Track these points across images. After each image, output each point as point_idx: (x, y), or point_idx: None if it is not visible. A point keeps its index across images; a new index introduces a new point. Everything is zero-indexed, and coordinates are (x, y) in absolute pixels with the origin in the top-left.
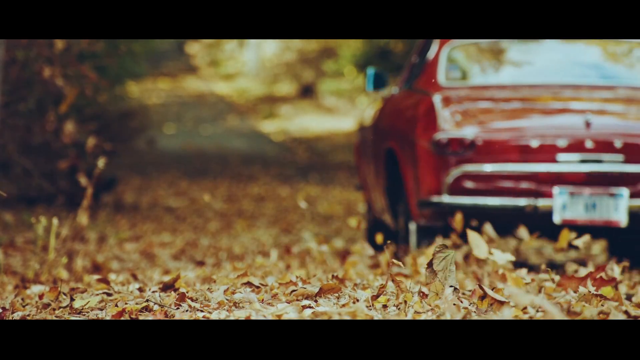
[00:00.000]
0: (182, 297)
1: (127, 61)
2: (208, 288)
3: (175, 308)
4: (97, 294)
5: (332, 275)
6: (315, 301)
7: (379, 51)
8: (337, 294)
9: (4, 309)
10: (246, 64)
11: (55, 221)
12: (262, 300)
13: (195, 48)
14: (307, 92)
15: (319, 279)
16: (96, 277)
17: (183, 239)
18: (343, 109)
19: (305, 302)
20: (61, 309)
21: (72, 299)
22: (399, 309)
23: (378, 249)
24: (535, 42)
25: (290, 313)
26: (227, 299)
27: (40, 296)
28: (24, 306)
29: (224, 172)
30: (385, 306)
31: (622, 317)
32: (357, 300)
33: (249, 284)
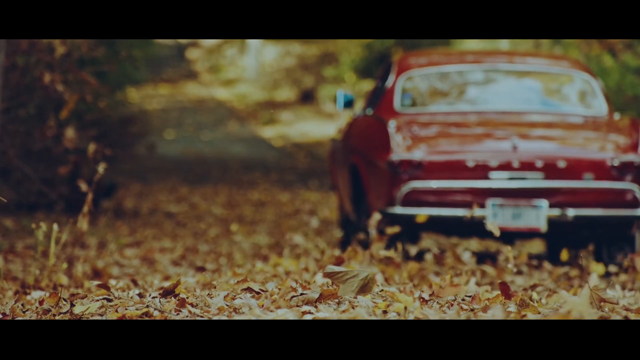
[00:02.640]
0: (182, 303)
1: (127, 67)
2: (208, 294)
3: (176, 314)
4: (97, 300)
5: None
6: (316, 307)
7: (378, 56)
8: (337, 300)
9: (4, 314)
10: (246, 70)
11: (55, 227)
12: (262, 306)
13: (196, 54)
14: (307, 97)
15: (319, 285)
16: (96, 282)
17: (183, 245)
18: (343, 114)
19: (306, 308)
20: (61, 315)
21: (72, 305)
22: (399, 314)
23: (348, 242)
24: (478, 73)
25: (290, 319)
26: (227, 305)
27: (41, 302)
28: (24, 312)
29: (224, 177)
30: (385, 312)
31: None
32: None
33: (249, 289)
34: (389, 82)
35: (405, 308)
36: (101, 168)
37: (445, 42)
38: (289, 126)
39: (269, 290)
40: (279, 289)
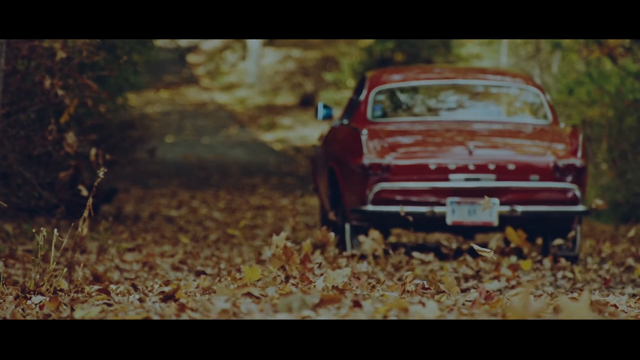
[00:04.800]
0: (182, 308)
1: (127, 71)
2: (208, 298)
3: (176, 318)
4: (98, 305)
5: (332, 286)
6: (316, 312)
7: (379, 60)
8: (337, 305)
9: (4, 319)
10: (247, 74)
11: (55, 231)
12: (262, 310)
13: (196, 58)
14: (307, 102)
15: (319, 290)
16: (96, 287)
17: (183, 249)
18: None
19: (306, 313)
20: (61, 320)
21: (72, 310)
22: (399, 318)
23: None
24: (441, 87)
25: (288, 319)
26: (227, 309)
27: (41, 306)
28: (24, 316)
29: (224, 182)
30: (385, 316)
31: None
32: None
33: (249, 294)
34: (362, 96)
35: (406, 311)
36: (101, 173)
37: (445, 43)
38: (289, 130)
39: (269, 295)
40: (280, 294)
